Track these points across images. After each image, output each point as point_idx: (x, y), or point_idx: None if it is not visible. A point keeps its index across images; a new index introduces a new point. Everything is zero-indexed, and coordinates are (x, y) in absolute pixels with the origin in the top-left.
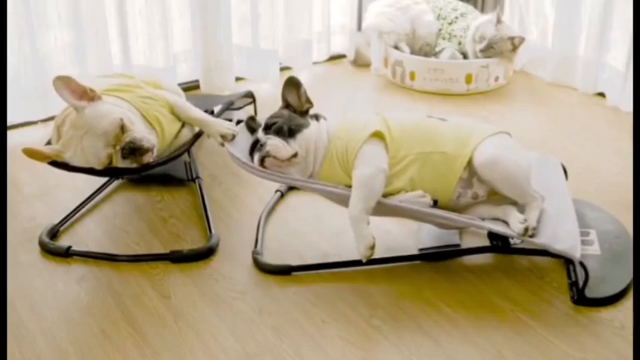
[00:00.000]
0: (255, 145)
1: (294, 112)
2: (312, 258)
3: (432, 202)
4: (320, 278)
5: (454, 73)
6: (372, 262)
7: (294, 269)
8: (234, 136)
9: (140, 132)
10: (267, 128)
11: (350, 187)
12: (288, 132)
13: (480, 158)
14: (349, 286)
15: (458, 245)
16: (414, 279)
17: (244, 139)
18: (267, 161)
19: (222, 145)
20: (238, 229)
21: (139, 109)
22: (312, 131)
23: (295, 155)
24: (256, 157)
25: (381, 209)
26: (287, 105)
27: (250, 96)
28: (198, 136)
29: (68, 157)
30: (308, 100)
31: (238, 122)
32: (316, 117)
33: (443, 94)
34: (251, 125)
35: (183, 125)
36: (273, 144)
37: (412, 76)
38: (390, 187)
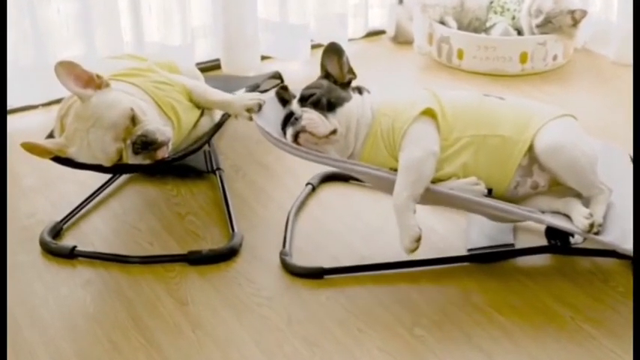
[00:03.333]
0: (289, 119)
1: (335, 83)
2: (348, 259)
3: (486, 191)
4: (356, 282)
5: (507, 51)
6: (415, 263)
7: (327, 272)
8: (260, 106)
9: (154, 123)
10: (304, 100)
11: (395, 170)
12: (328, 105)
13: (542, 143)
14: (389, 291)
15: (512, 245)
16: (462, 283)
17: (275, 112)
18: (302, 137)
19: (251, 119)
20: (264, 227)
21: (152, 97)
22: (354, 106)
23: (334, 132)
24: (289, 131)
25: (429, 197)
26: (326, 75)
27: (278, 77)
28: (219, 125)
29: (73, 152)
30: (351, 71)
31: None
32: (359, 90)
33: (494, 74)
34: (283, 96)
35: (202, 113)
36: (310, 118)
37: (460, 54)
38: (441, 173)
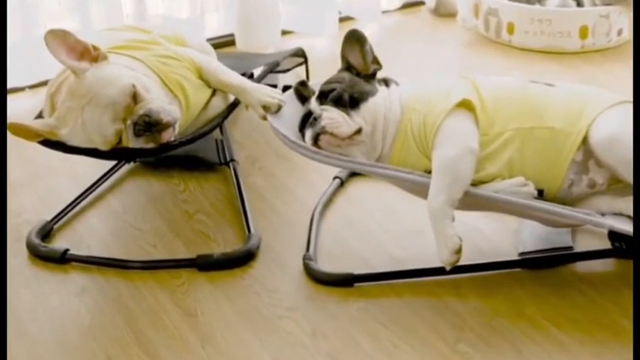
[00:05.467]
0: (307, 119)
1: (357, 75)
2: (381, 264)
3: (536, 193)
4: (391, 291)
5: (565, 24)
6: (458, 270)
7: (358, 279)
8: (279, 107)
9: (158, 102)
10: (323, 96)
11: (430, 172)
12: (350, 101)
13: (598, 136)
14: (429, 302)
15: (570, 248)
16: (512, 292)
17: (293, 110)
18: (323, 139)
19: (265, 118)
20: (285, 227)
21: (156, 73)
22: (380, 100)
23: (359, 131)
24: (309, 133)
25: (470, 201)
26: (348, 67)
27: (301, 55)
28: (233, 106)
29: (64, 134)
30: (375, 61)
31: (285, 89)
32: (385, 82)
33: (550, 51)
34: (302, 92)
35: (214, 93)
36: (331, 117)
37: (510, 28)
38: (482, 173)
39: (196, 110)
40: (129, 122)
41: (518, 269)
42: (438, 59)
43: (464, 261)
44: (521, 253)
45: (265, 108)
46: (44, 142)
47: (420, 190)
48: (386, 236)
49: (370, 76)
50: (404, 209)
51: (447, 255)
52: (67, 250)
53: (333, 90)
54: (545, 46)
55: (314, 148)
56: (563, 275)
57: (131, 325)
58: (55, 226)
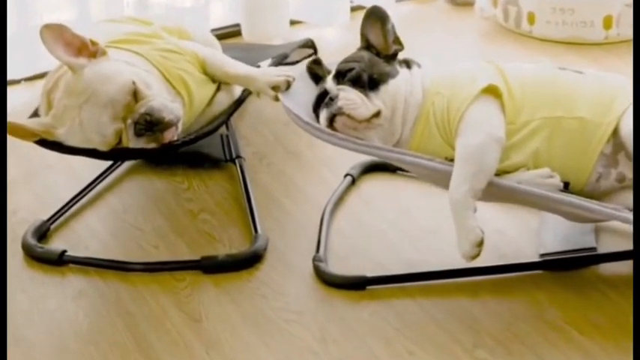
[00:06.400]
0: (323, 99)
1: (377, 55)
2: (395, 266)
3: (561, 185)
4: (405, 294)
5: (588, 14)
6: (476, 272)
7: (371, 282)
8: (289, 84)
9: (159, 99)
10: (340, 76)
11: (451, 160)
12: (369, 82)
13: (629, 127)
14: (445, 305)
15: (593, 249)
16: (533, 295)
17: (306, 90)
18: (339, 121)
19: (277, 98)
20: (294, 227)
21: (157, 68)
22: (401, 83)
23: (377, 114)
24: (323, 114)
25: (493, 192)
26: (368, 46)
27: (310, 46)
28: (239, 102)
29: (62, 134)
30: (397, 40)
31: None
32: (407, 63)
33: (572, 42)
34: (316, 71)
35: (218, 88)
36: (348, 98)
37: (531, 18)
38: (507, 163)
39: (200, 106)
40: (129, 121)
41: (539, 271)
42: (454, 50)
43: (482, 263)
44: (542, 255)
45: (275, 88)
46: (41, 142)
47: (440, 178)
48: (400, 237)
49: (391, 57)
50: (418, 209)
51: (467, 248)
52: (65, 251)
53: (351, 69)
54: (568, 37)
55: (328, 130)
56: (585, 277)
57: (132, 330)
58: (52, 226)
